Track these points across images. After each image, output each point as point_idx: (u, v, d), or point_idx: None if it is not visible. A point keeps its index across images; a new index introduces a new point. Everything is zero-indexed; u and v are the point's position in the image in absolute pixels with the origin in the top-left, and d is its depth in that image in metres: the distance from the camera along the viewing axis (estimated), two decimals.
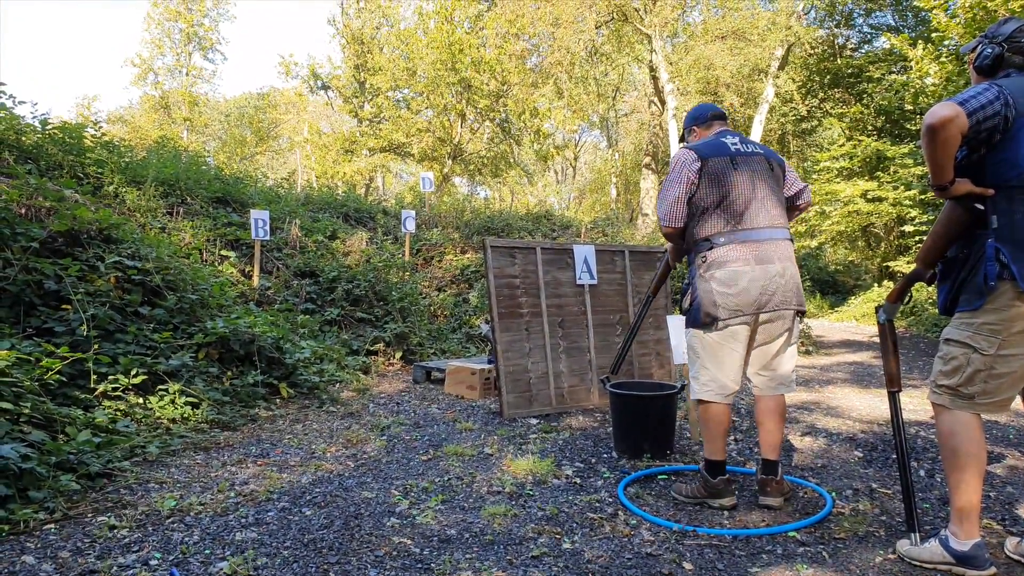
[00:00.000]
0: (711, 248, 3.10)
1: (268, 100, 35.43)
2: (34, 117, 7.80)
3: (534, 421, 5.11)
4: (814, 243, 19.32)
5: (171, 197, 8.81)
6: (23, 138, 7.39)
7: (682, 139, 3.52)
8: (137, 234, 6.04)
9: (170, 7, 31.71)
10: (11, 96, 7.46)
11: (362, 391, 6.23)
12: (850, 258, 23.89)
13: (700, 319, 3.15)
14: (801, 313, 3.23)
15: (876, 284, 17.52)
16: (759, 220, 3.10)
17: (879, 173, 17.04)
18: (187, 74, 32.66)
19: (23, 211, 5.30)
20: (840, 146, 18.34)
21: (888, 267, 17.49)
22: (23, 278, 4.71)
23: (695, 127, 3.44)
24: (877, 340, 6.28)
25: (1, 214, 4.93)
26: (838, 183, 17.69)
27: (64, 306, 4.77)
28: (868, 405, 5.90)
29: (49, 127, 7.70)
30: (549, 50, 19.79)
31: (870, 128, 19.13)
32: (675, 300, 7.49)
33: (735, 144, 3.20)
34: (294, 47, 70.90)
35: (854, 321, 15.27)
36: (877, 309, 2.86)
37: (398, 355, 7.77)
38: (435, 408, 5.60)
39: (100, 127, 9.51)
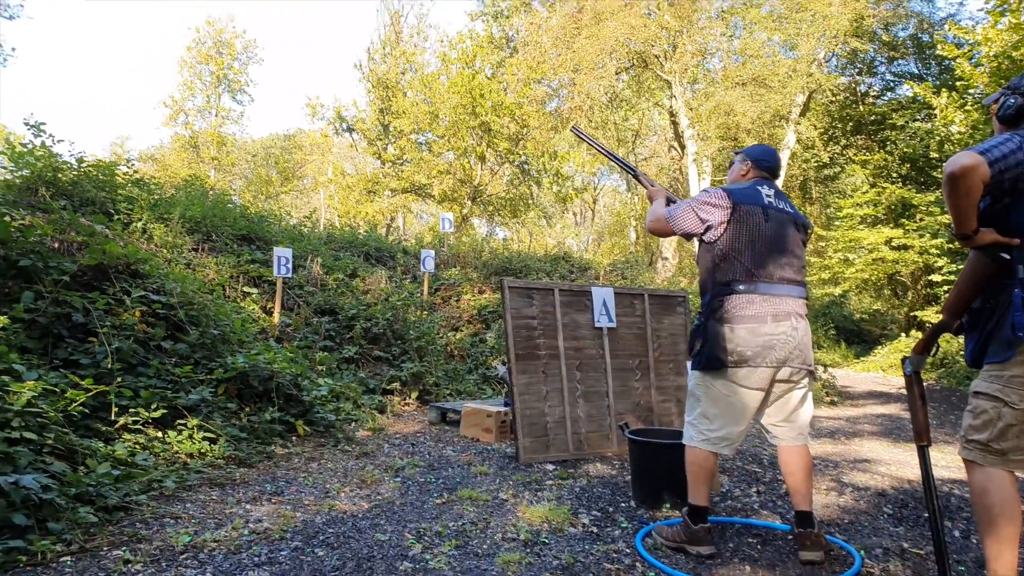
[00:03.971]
0: (731, 294, 3.08)
1: (294, 141, 36.08)
2: (71, 155, 8.03)
3: (551, 467, 5.05)
4: (838, 290, 19.15)
5: (197, 234, 8.96)
6: (60, 175, 7.61)
7: (731, 164, 3.54)
8: (163, 269, 6.13)
9: (202, 51, 32.60)
10: (50, 135, 7.71)
11: (377, 431, 6.21)
12: (875, 307, 23.62)
13: (710, 363, 3.12)
14: (811, 372, 3.20)
15: (903, 334, 17.28)
16: (781, 274, 3.10)
17: (904, 220, 16.94)
18: (216, 115, 33.40)
19: (56, 245, 5.41)
20: (864, 193, 18.29)
21: (915, 317, 17.25)
22: (53, 310, 4.79)
23: (748, 162, 3.40)
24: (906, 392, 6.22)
25: (35, 248, 5.04)
26: (862, 230, 17.60)
27: (90, 338, 4.83)
28: (898, 459, 5.76)
29: (84, 165, 7.93)
30: (569, 95, 20.08)
31: (894, 175, 19.09)
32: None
33: (769, 196, 3.21)
34: (321, 90, 72.43)
35: (881, 372, 15.02)
36: (903, 360, 2.82)
37: (414, 395, 7.75)
38: (450, 450, 5.56)
39: (132, 165, 9.75)
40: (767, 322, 3.03)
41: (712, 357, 3.11)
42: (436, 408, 6.95)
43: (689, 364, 4.14)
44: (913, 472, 5.19)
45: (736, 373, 3.06)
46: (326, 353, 7.73)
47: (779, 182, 19.03)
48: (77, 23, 71.44)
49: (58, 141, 7.86)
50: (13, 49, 30.29)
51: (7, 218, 5.27)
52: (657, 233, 3.40)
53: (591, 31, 18.05)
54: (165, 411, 4.62)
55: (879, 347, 17.58)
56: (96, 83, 74.91)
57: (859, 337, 20.42)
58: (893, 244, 16.28)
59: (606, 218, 40.29)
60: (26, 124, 7.64)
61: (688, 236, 3.25)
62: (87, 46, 72.61)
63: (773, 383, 3.12)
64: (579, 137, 4.17)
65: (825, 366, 11.18)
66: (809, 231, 3.35)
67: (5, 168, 7.81)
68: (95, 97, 73.99)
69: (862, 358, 16.97)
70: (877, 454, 6.00)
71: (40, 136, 7.60)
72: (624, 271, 14.64)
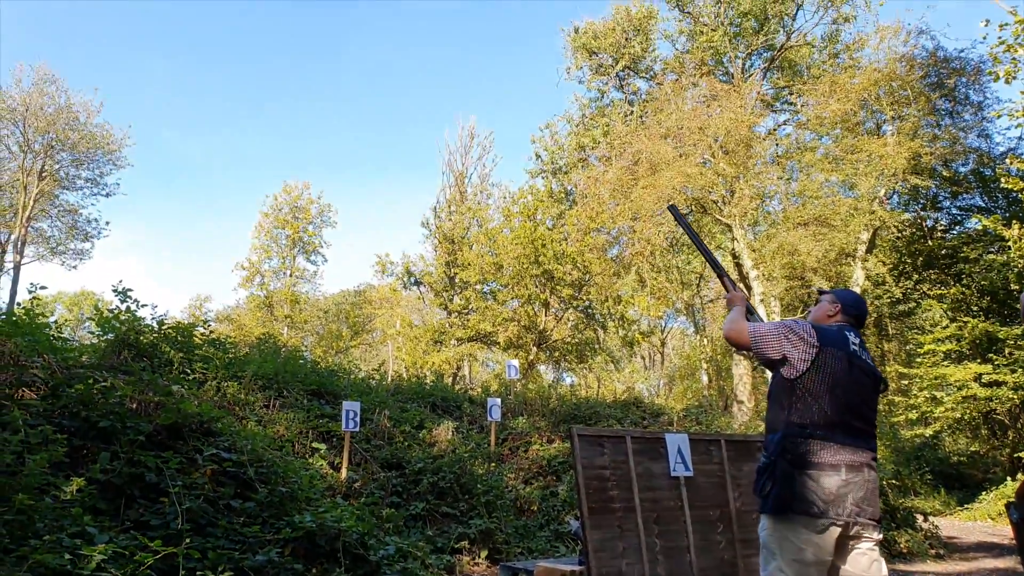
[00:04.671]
0: (806, 438, 2.93)
1: (364, 296, 37.47)
2: (152, 318, 8.46)
3: None
4: (929, 431, 18.06)
5: (269, 390, 9.15)
6: (141, 337, 7.98)
7: (820, 293, 3.46)
8: (235, 427, 6.23)
9: (279, 216, 34.87)
10: (135, 300, 8.16)
11: None
12: (973, 448, 22.06)
13: (779, 507, 2.91)
14: (878, 522, 3.00)
15: (1008, 477, 15.95)
16: (857, 424, 2.99)
17: (992, 355, 16.15)
18: (290, 275, 35.16)
19: (134, 405, 5.59)
20: (944, 328, 17.64)
21: (1020, 458, 16.00)
22: (127, 471, 4.87)
23: (838, 304, 3.30)
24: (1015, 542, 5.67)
25: (115, 409, 5.21)
26: (947, 366, 16.82)
27: (162, 498, 4.85)
28: None
29: (164, 327, 8.32)
30: (629, 242, 20.45)
31: (975, 308, 18.41)
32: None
33: (855, 344, 3.13)
34: (389, 246, 76.07)
35: (989, 520, 13.78)
36: (1007, 506, 2.58)
37: (483, 553, 7.44)
38: None
39: (208, 325, 10.21)
40: (841, 471, 2.87)
41: (782, 501, 2.91)
42: (507, 568, 6.61)
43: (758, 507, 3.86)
44: None
45: (808, 522, 2.85)
46: (393, 510, 7.57)
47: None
48: (164, 195, 78.06)
49: (142, 306, 8.29)
50: (107, 223, 32.96)
51: (90, 380, 5.50)
52: (733, 342, 3.26)
53: (648, 181, 18.62)
54: (232, 573, 4.51)
55: (984, 492, 16.21)
56: (185, 243, 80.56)
57: (960, 482, 18.93)
58: (984, 380, 15.44)
59: (676, 361, 39.71)
60: (114, 290, 8.11)
61: (764, 361, 3.13)
62: (172, 212, 78.88)
63: (846, 538, 2.89)
64: (674, 217, 4.12)
65: (925, 515, 10.33)
66: (884, 388, 3.26)
67: (92, 333, 8.25)
68: (184, 258, 79.35)
69: (966, 505, 15.66)
70: None
71: (126, 301, 8.05)
72: (698, 416, 14.18)
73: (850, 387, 3.01)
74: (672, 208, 4.18)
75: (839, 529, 2.86)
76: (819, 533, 2.85)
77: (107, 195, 32.02)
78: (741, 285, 22.27)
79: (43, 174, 30.22)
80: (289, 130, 74.57)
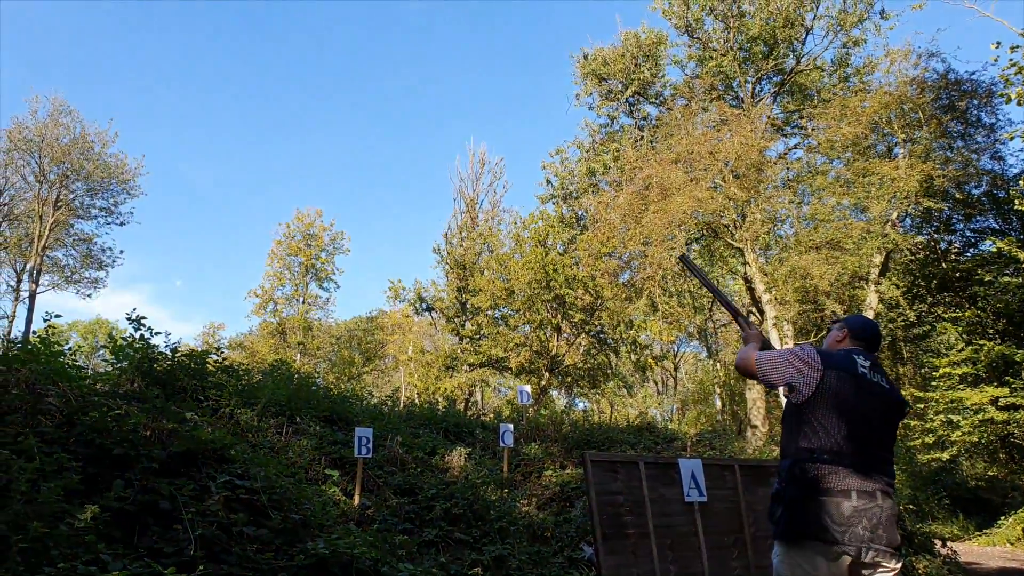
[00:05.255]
0: (815, 463, 2.92)
1: (376, 322, 37.53)
2: (166, 346, 8.52)
3: None
4: (945, 455, 17.80)
5: (282, 417, 9.16)
6: (155, 365, 8.03)
7: (833, 322, 3.50)
8: (248, 454, 6.24)
9: (292, 244, 35.10)
10: (149, 328, 8.23)
11: None
12: (991, 472, 21.71)
13: (789, 532, 2.90)
14: (897, 553, 2.92)
15: None
16: (869, 448, 2.94)
17: (1008, 378, 15.95)
18: (303, 302, 35.30)
19: (148, 433, 5.61)
20: (959, 351, 17.47)
21: None
22: (141, 498, 4.88)
23: (845, 329, 3.33)
24: None
25: (129, 436, 5.24)
26: (963, 389, 16.62)
27: (175, 525, 4.85)
28: None
29: (178, 355, 8.37)
30: (640, 266, 20.44)
31: (990, 331, 18.23)
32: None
33: (864, 367, 3.09)
34: (401, 272, 76.39)
35: (1008, 545, 13.53)
36: None
37: None
38: None
39: (222, 353, 10.26)
40: (851, 497, 2.83)
41: (791, 526, 2.91)
42: None
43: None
44: None
45: (820, 548, 2.82)
46: (406, 536, 7.52)
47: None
48: (179, 226, 78.88)
49: (155, 333, 8.35)
50: (122, 251, 33.41)
51: (105, 408, 5.54)
52: (742, 372, 3.37)
53: (658, 205, 18.65)
54: None
55: (1003, 517, 15.93)
56: (198, 271, 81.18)
57: (978, 507, 18.61)
58: (1001, 404, 15.24)
59: (689, 386, 39.47)
60: (128, 318, 8.18)
61: (770, 386, 3.22)
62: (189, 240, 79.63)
63: (861, 565, 2.84)
64: (686, 267, 4.18)
65: (944, 540, 10.15)
66: (906, 410, 3.21)
67: (107, 361, 8.31)
68: (198, 286, 79.91)
69: (985, 530, 15.39)
70: None
71: (140, 329, 8.11)
72: (712, 441, 14.06)
73: (859, 410, 2.97)
74: (683, 258, 4.32)
75: (850, 557, 2.81)
76: (831, 560, 2.82)
77: (121, 224, 32.46)
78: (753, 309, 22.21)
79: (58, 204, 30.63)
80: (302, 158, 75.53)
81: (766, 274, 19.77)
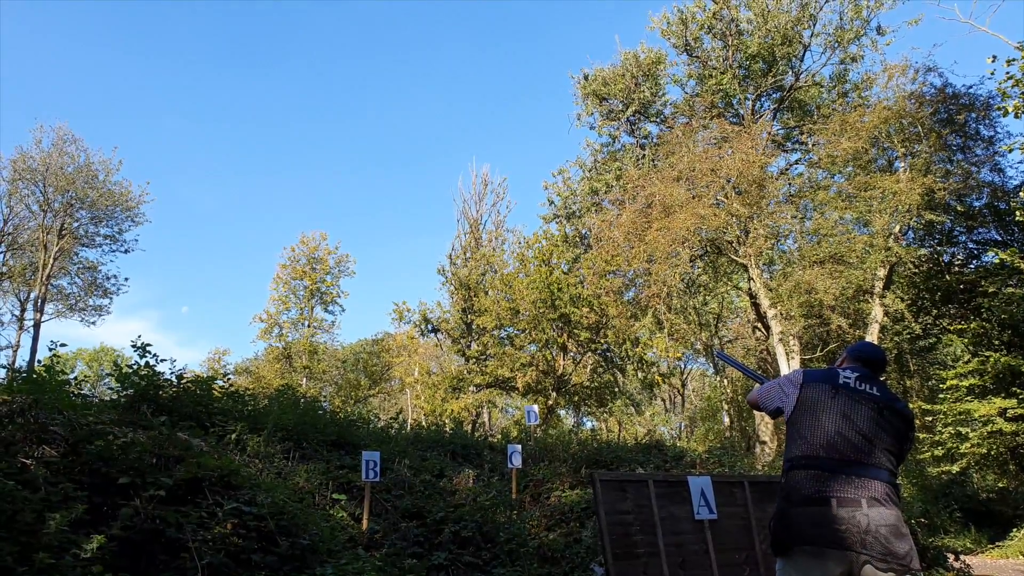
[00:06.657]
0: (793, 470, 2.98)
1: (381, 345, 37.47)
2: (171, 373, 8.49)
3: None
4: (955, 468, 17.64)
5: (288, 441, 9.12)
6: (161, 392, 8.01)
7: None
8: (255, 479, 6.21)
9: (297, 268, 35.16)
10: (154, 355, 8.22)
11: None
12: (1001, 484, 21.48)
13: (774, 544, 2.97)
14: (907, 567, 2.76)
15: None
16: (853, 455, 2.89)
17: (1016, 389, 15.85)
18: (309, 326, 35.28)
19: (154, 460, 5.59)
20: (966, 363, 17.38)
21: None
22: (148, 526, 4.85)
23: (844, 353, 3.48)
24: None
25: (135, 464, 5.21)
26: (970, 401, 16.51)
27: (183, 553, 4.82)
28: None
29: (184, 381, 8.36)
30: (645, 284, 20.44)
31: (996, 342, 18.14)
32: None
33: (848, 378, 3.12)
34: (406, 294, 76.43)
35: (1022, 557, 13.37)
36: None
37: None
38: None
39: (228, 379, 10.24)
40: (830, 505, 2.80)
41: (778, 537, 2.94)
42: None
43: None
44: None
45: (807, 558, 2.81)
46: (415, 560, 7.45)
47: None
48: (183, 249, 79.21)
49: (160, 360, 8.33)
50: (126, 279, 33.48)
51: (110, 436, 5.53)
52: (752, 406, 3.55)
53: (662, 223, 18.69)
54: None
55: (1015, 529, 15.74)
56: (203, 297, 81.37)
57: (990, 519, 18.36)
58: (1009, 415, 15.14)
59: (697, 403, 39.30)
60: (133, 346, 8.18)
61: (771, 414, 3.33)
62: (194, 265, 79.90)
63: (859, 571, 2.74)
64: (725, 361, 4.50)
65: (956, 553, 10.05)
66: (908, 419, 3.10)
67: (112, 388, 8.29)
68: (203, 312, 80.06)
69: (998, 543, 15.20)
70: None
71: (145, 356, 8.10)
72: (721, 458, 13.95)
73: (841, 417, 2.98)
74: (720, 354, 4.72)
75: (841, 566, 2.74)
76: (822, 568, 2.77)
77: (126, 251, 32.55)
78: (759, 324, 22.17)
79: (63, 232, 30.75)
80: (307, 182, 75.95)
81: (771, 289, 19.75)
